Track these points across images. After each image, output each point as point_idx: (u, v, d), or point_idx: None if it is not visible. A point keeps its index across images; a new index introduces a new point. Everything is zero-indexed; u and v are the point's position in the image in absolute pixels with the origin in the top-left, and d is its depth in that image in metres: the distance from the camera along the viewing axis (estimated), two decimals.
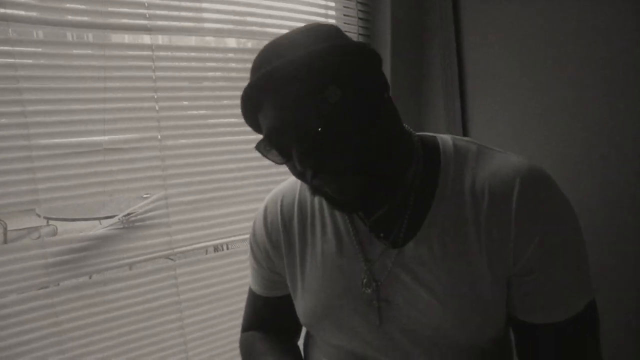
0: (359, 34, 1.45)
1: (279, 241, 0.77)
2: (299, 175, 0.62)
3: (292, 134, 0.57)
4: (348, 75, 0.59)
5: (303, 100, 0.57)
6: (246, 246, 0.88)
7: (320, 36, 0.61)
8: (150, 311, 1.18)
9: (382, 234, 0.69)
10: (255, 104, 0.61)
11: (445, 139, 0.71)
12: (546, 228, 0.61)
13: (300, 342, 0.91)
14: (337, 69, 0.58)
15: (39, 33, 1.00)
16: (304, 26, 0.64)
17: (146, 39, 1.10)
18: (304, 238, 0.76)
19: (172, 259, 1.25)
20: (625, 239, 1.11)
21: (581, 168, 1.14)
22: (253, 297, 0.88)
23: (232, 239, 1.31)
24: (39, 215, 3.28)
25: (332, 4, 1.40)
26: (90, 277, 1.14)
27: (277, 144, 0.59)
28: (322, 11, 1.39)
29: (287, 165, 0.63)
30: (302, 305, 0.76)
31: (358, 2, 1.42)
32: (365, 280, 0.69)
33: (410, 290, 0.66)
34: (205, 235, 1.25)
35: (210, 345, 1.29)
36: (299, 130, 0.57)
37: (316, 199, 0.76)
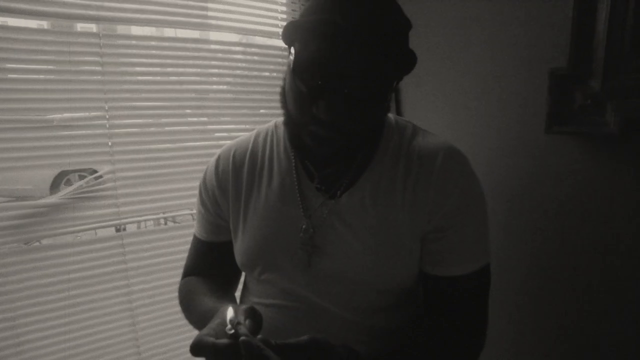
0: None
1: (227, 187, 0.85)
2: (303, 103, 0.66)
3: (347, 78, 0.63)
4: (405, 55, 0.69)
5: (377, 53, 0.63)
6: (189, 221, 0.97)
7: (396, 8, 0.68)
8: (98, 277, 1.29)
9: (322, 187, 0.78)
10: (327, 30, 0.63)
11: (388, 116, 0.83)
12: (459, 194, 0.73)
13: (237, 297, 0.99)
14: (404, 47, 0.69)
15: None
16: None
17: (93, 27, 1.22)
18: (251, 186, 0.84)
19: (121, 229, 1.35)
20: (524, 227, 1.19)
21: (495, 158, 1.23)
22: (196, 243, 0.95)
23: (176, 213, 1.42)
24: None
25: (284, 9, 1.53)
26: (40, 242, 1.25)
27: (323, 73, 0.63)
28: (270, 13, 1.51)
29: (304, 92, 0.65)
30: (240, 246, 0.84)
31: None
32: (303, 227, 0.77)
33: (339, 236, 0.76)
34: (151, 209, 1.36)
35: (157, 313, 1.39)
36: (360, 74, 0.63)
37: (267, 153, 0.85)
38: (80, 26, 1.25)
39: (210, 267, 0.93)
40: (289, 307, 0.81)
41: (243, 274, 0.94)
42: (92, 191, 1.28)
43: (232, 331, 0.58)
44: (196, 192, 0.94)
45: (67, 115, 1.24)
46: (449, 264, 0.75)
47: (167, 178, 1.36)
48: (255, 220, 0.82)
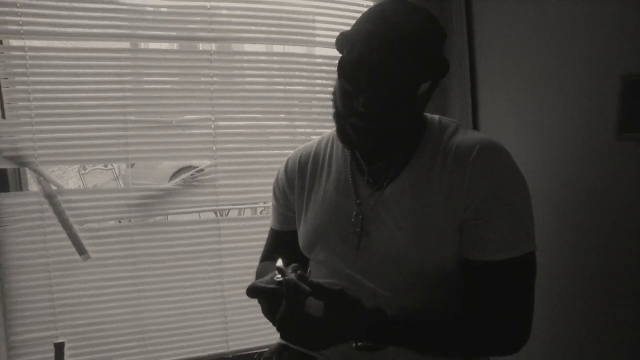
0: None
1: (294, 183, 1.01)
2: (347, 100, 0.79)
3: (378, 72, 0.75)
4: (430, 56, 0.78)
5: (396, 48, 0.73)
6: None
7: (423, 14, 0.78)
8: (195, 252, 1.54)
9: (372, 181, 0.90)
10: (359, 37, 0.77)
11: (433, 116, 0.92)
12: (494, 182, 0.78)
13: None
14: (428, 46, 0.78)
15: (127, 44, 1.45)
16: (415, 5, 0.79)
17: (207, 46, 1.49)
18: (313, 181, 0.99)
19: (218, 215, 1.60)
20: (618, 238, 1.12)
21: (581, 167, 1.18)
22: (271, 233, 1.13)
23: (265, 204, 1.62)
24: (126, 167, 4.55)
25: None
26: (158, 219, 1.55)
27: (354, 71, 0.76)
28: None
29: (346, 89, 0.78)
30: (302, 230, 0.99)
31: None
32: (354, 214, 0.89)
33: (384, 223, 0.86)
34: (244, 199, 1.58)
35: (243, 290, 1.60)
36: (385, 71, 0.75)
37: (328, 153, 0.99)
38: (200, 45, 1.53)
39: (282, 253, 1.07)
40: (340, 286, 0.91)
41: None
42: (197, 181, 1.54)
43: (279, 277, 0.72)
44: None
45: (184, 117, 1.52)
46: (485, 249, 0.79)
47: (259, 173, 1.57)
48: (315, 209, 0.95)
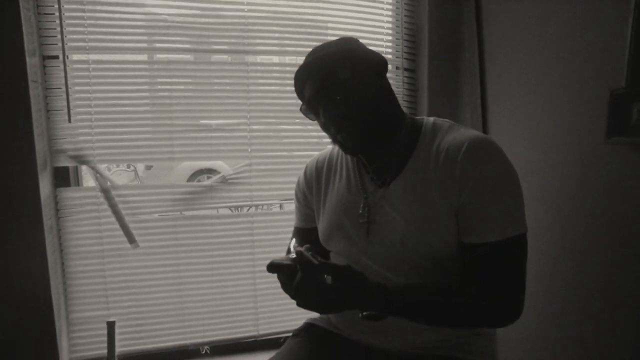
0: (404, 58, 1.84)
1: (312, 185, 1.17)
2: (325, 127, 0.97)
3: (320, 101, 0.97)
4: (352, 65, 0.97)
5: (326, 80, 0.96)
6: None
7: (341, 43, 1.02)
8: (230, 244, 1.71)
9: (375, 178, 1.05)
10: (301, 84, 1.00)
11: (429, 119, 1.06)
12: (482, 171, 0.88)
13: None
14: (348, 63, 0.97)
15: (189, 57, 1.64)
16: (339, 38, 1.02)
17: (246, 58, 1.67)
18: (328, 182, 1.14)
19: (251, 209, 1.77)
20: (628, 237, 1.22)
21: (590, 168, 1.28)
22: (295, 231, 1.28)
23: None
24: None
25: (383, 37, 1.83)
26: (194, 213, 1.72)
27: (313, 108, 0.97)
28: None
29: (318, 122, 0.98)
30: (321, 226, 1.13)
31: (404, 34, 1.82)
32: (362, 206, 1.04)
33: (388, 214, 1.00)
34: (277, 195, 1.75)
35: (273, 278, 1.76)
36: (325, 97, 0.96)
37: (339, 158, 1.15)
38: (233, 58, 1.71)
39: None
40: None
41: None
42: (232, 179, 1.72)
43: (294, 255, 0.82)
44: None
45: (221, 121, 1.70)
46: (477, 232, 0.88)
47: (290, 172, 1.74)
48: (331, 206, 1.10)
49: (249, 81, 1.67)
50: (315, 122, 1.01)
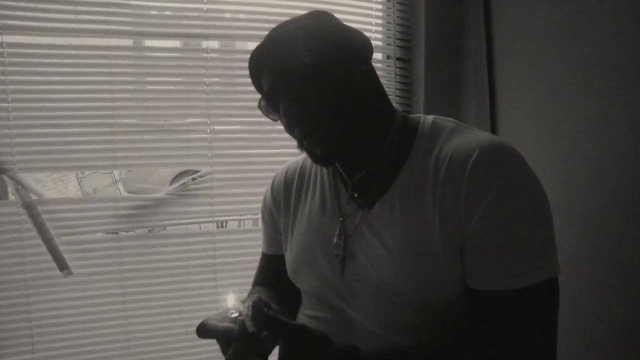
0: (396, 45, 1.56)
1: (279, 201, 0.91)
2: (288, 129, 0.74)
3: (280, 94, 0.72)
4: (321, 47, 0.72)
5: (286, 65, 0.71)
6: None
7: (309, 17, 0.76)
8: (190, 267, 1.42)
9: (356, 195, 0.78)
10: (257, 73, 0.77)
11: (427, 117, 0.78)
12: (499, 191, 0.63)
13: None
14: (317, 43, 0.72)
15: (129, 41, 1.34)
16: (309, 11, 0.78)
17: (203, 44, 1.38)
18: (299, 199, 0.88)
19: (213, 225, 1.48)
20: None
21: (606, 171, 1.08)
22: (262, 257, 1.02)
23: None
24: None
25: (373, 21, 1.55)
26: (150, 231, 1.43)
27: (272, 104, 0.74)
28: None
29: (282, 122, 0.75)
30: (288, 256, 0.88)
31: (397, 17, 1.55)
32: (337, 233, 0.78)
33: (370, 246, 0.74)
34: (243, 210, 1.46)
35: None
36: (285, 91, 0.71)
37: (313, 169, 0.89)
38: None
39: (274, 280, 0.97)
40: (327, 319, 0.80)
41: None
42: (190, 190, 1.42)
43: (234, 314, 0.63)
44: None
45: (174, 121, 1.41)
46: (490, 276, 0.65)
47: (259, 182, 1.45)
48: (300, 232, 0.85)
49: (208, 72, 1.38)
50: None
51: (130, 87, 1.37)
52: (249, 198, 1.46)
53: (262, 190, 1.42)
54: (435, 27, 1.49)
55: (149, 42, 1.39)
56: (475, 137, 0.69)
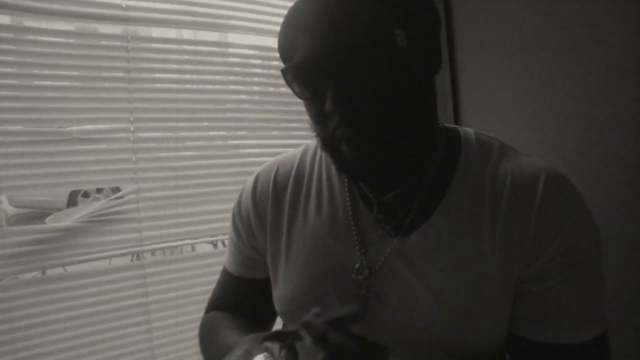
0: None
1: (265, 213, 0.70)
2: (321, 118, 0.56)
3: (339, 66, 0.51)
4: (422, 25, 0.55)
5: (368, 34, 0.51)
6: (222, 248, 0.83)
7: None
8: (115, 311, 1.12)
9: (384, 219, 0.62)
10: (294, 32, 0.56)
11: (468, 131, 0.66)
12: (569, 231, 0.55)
13: None
14: (414, 14, 0.54)
15: (6, 18, 0.99)
16: None
17: (121, 29, 1.09)
18: (295, 213, 0.68)
19: (142, 257, 1.20)
20: (617, 241, 1.05)
21: (573, 172, 1.11)
22: (226, 277, 0.79)
23: (209, 239, 1.26)
24: None
25: None
26: (43, 273, 1.09)
27: (312, 74, 0.54)
28: None
29: (309, 105, 0.57)
30: (282, 289, 0.68)
31: None
32: (357, 267, 0.62)
33: (405, 284, 0.59)
34: (179, 234, 1.20)
35: (180, 353, 1.22)
36: (350, 64, 0.51)
37: (316, 173, 0.70)
38: (104, 28, 1.11)
39: (240, 306, 0.77)
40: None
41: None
42: (112, 213, 1.12)
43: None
44: (229, 215, 0.79)
45: (88, 127, 1.09)
46: (547, 326, 0.57)
47: (197, 199, 1.21)
48: (300, 259, 0.66)
49: (130, 65, 1.10)
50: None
51: (12, 81, 1.02)
52: (190, 219, 1.20)
53: (206, 208, 1.22)
54: None
55: (35, 23, 1.05)
56: (531, 161, 0.61)
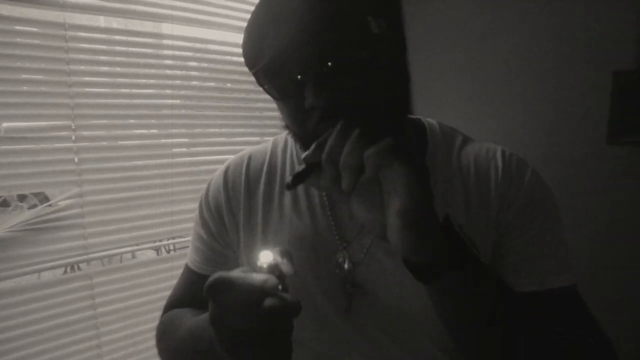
0: None
1: (238, 205, 0.68)
2: (299, 116, 0.53)
3: (316, 58, 0.50)
4: (391, 12, 0.55)
5: (343, 22, 0.50)
6: (184, 250, 0.78)
7: None
8: (61, 327, 1.01)
9: None
10: (261, 28, 0.52)
11: (431, 121, 0.70)
12: (529, 188, 0.61)
13: None
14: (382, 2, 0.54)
15: None
16: None
17: (59, 16, 0.99)
18: (270, 207, 0.67)
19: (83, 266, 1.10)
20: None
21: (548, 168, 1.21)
22: (189, 276, 0.75)
23: (159, 243, 1.19)
24: None
25: None
26: None
27: (286, 70, 0.51)
28: None
29: (283, 104, 0.55)
30: None
31: None
32: (340, 261, 0.62)
33: (388, 272, 0.61)
34: (127, 239, 1.12)
35: None
36: (327, 53, 0.49)
37: (288, 166, 0.68)
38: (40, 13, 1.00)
39: (206, 305, 0.75)
40: (329, 355, 0.65)
41: None
42: (51, 220, 1.02)
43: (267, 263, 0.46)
44: (184, 216, 0.76)
45: (21, 124, 0.98)
46: (521, 276, 0.60)
47: (146, 202, 1.14)
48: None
49: (69, 56, 1.00)
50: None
51: None
52: (138, 223, 1.13)
53: (153, 211, 1.14)
54: None
55: None
56: (488, 144, 0.67)
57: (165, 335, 0.71)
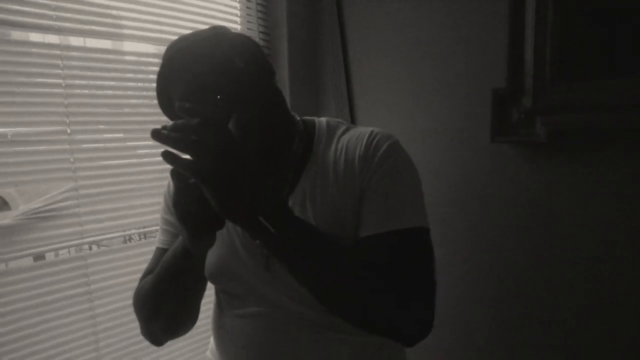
0: None
1: None
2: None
3: (211, 95, 0.71)
4: (250, 53, 0.78)
5: (216, 68, 0.72)
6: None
7: (217, 29, 0.80)
8: (60, 301, 1.20)
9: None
10: (166, 85, 0.75)
11: (321, 119, 0.91)
12: (382, 155, 0.79)
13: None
14: (241, 48, 0.77)
15: None
16: (210, 26, 0.81)
17: (54, 39, 1.17)
18: None
19: (85, 248, 1.28)
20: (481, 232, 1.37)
21: (454, 161, 1.39)
22: (158, 253, 0.94)
23: (145, 229, 1.38)
24: None
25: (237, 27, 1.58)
26: None
27: (190, 109, 0.64)
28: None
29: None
30: (209, 258, 0.85)
31: (259, 24, 1.62)
32: None
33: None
34: (117, 226, 1.31)
35: (122, 336, 1.33)
36: (211, 96, 0.71)
37: None
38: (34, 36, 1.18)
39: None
40: (261, 314, 0.85)
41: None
42: (51, 210, 1.20)
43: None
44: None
45: (21, 129, 1.16)
46: (375, 221, 0.76)
47: (133, 194, 1.33)
48: (222, 232, 0.83)
49: (64, 72, 1.18)
50: None
51: None
52: (126, 212, 1.32)
53: (140, 202, 1.33)
54: (295, 31, 1.61)
55: None
56: (366, 129, 0.86)
57: (140, 291, 0.90)
